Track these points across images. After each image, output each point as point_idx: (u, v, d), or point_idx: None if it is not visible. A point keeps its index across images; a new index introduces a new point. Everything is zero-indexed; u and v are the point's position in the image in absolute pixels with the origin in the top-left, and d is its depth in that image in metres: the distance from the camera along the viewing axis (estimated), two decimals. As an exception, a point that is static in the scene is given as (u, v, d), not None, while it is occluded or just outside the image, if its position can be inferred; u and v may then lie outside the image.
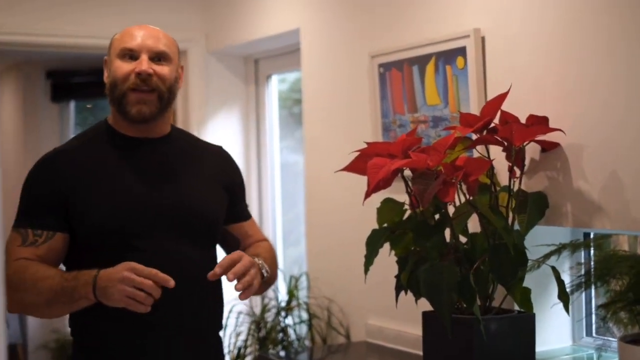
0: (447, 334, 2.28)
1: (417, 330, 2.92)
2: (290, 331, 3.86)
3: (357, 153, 2.54)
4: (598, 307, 2.14)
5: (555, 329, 2.79)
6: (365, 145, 2.50)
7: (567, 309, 2.32)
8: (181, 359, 2.21)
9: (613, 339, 2.48)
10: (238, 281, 2.10)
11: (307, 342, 3.84)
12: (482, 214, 2.34)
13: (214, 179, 2.35)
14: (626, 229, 2.34)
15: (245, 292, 2.12)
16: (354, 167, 2.59)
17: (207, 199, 2.30)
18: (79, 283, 2.06)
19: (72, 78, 7.40)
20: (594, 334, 2.81)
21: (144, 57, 2.20)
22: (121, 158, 2.23)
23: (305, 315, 3.81)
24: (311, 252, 3.86)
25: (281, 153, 4.75)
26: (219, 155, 2.43)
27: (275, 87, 4.74)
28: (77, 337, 2.25)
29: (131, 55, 2.21)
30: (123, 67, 2.20)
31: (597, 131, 2.40)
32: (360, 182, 2.57)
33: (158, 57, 2.22)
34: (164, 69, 2.22)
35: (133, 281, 1.99)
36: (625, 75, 2.33)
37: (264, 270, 2.21)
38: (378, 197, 2.55)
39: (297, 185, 4.53)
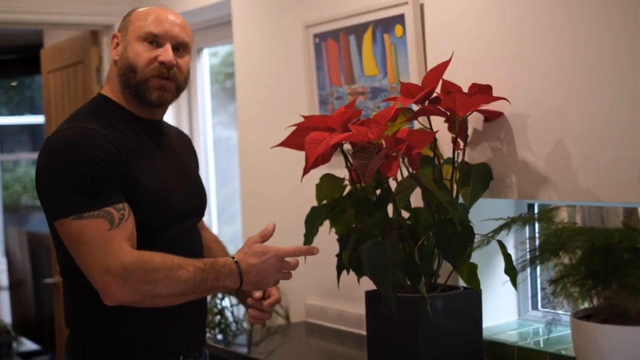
0: (393, 315, 2.19)
1: (359, 310, 2.84)
2: (228, 313, 3.74)
3: (294, 127, 2.43)
4: (549, 282, 2.05)
5: (501, 304, 2.74)
6: (302, 119, 2.38)
7: (514, 284, 2.24)
8: (192, 324, 2.24)
9: (562, 313, 2.42)
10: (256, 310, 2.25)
11: (245, 325, 3.74)
12: (426, 188, 2.24)
13: (194, 160, 2.43)
14: (573, 200, 2.27)
15: (253, 318, 2.27)
16: (291, 142, 2.47)
17: (200, 179, 2.40)
18: (220, 274, 2.02)
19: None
20: (539, 308, 2.76)
21: (169, 47, 2.13)
22: (147, 138, 2.17)
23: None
24: (247, 230, 3.74)
25: (215, 129, 4.62)
26: (187, 137, 2.47)
27: (206, 61, 4.60)
28: (86, 328, 2.11)
29: (154, 41, 2.13)
30: (146, 53, 2.12)
31: (542, 100, 2.33)
32: (297, 157, 2.46)
33: (179, 47, 2.16)
34: (184, 60, 2.17)
35: (287, 267, 2.08)
36: (570, 42, 2.25)
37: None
38: (316, 173, 2.45)
39: (232, 161, 4.41)
